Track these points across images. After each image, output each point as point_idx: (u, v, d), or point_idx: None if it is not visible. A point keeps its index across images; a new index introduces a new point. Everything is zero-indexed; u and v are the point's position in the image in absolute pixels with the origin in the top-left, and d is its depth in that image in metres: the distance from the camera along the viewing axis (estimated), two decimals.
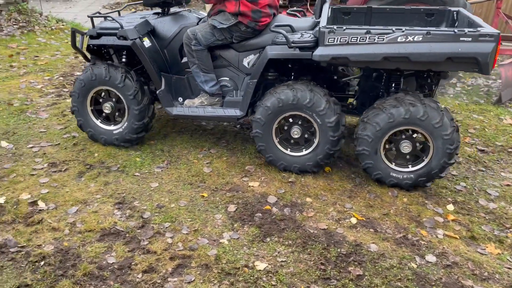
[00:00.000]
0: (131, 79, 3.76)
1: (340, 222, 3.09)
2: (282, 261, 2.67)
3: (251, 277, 2.52)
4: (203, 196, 3.30)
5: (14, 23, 8.25)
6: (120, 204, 3.16)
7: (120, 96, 3.81)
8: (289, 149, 3.65)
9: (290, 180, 3.58)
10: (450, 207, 3.34)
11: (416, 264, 2.70)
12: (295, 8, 4.70)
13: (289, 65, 3.72)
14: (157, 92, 3.83)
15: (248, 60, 3.79)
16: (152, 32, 3.95)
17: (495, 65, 4.25)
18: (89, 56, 4.08)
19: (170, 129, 4.45)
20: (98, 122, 3.96)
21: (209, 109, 3.80)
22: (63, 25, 8.67)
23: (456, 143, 3.27)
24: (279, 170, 3.71)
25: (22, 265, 2.54)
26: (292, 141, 3.63)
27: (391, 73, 3.55)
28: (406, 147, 3.37)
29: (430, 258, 2.76)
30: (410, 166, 3.44)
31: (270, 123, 3.55)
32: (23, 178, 3.44)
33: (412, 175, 3.42)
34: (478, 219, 3.21)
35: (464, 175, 3.82)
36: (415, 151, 3.40)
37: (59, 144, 4.02)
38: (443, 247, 2.88)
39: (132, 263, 2.59)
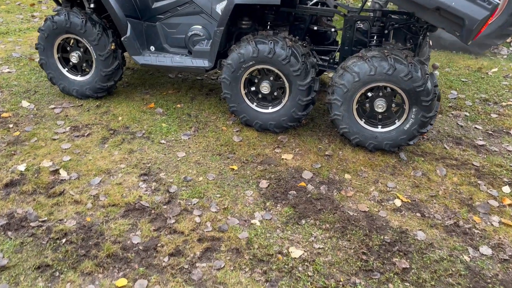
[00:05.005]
0: (93, 24, 3.57)
1: (383, 203, 2.81)
2: (319, 248, 2.44)
3: (286, 266, 2.31)
4: (232, 169, 3.06)
5: None
6: (145, 176, 2.96)
7: (85, 42, 3.65)
8: (255, 104, 3.48)
9: (326, 153, 3.28)
10: (506, 189, 3.00)
11: (469, 256, 2.43)
12: None
13: (265, 13, 3.48)
14: (122, 39, 3.63)
15: (222, 6, 3.49)
16: None
17: None
18: (60, 0, 3.88)
19: (197, 91, 4.16)
20: (65, 71, 3.84)
21: (176, 59, 3.64)
22: None
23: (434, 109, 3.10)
24: (315, 142, 3.42)
25: (43, 242, 2.40)
26: (260, 95, 3.46)
27: (374, 24, 3.31)
28: (380, 105, 3.16)
29: (485, 250, 2.48)
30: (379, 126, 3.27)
31: (237, 81, 3.39)
32: (45, 143, 3.27)
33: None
34: None
35: None
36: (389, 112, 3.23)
37: (81, 105, 3.81)
38: (499, 237, 2.58)
39: (158, 245, 2.41)
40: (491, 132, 3.70)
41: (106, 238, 2.45)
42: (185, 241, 2.44)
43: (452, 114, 3.96)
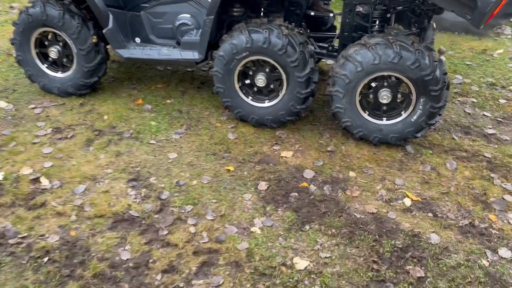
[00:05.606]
0: (71, 16, 3.30)
1: (392, 203, 2.61)
2: (325, 257, 2.24)
3: (290, 279, 2.12)
4: (228, 170, 2.84)
5: None
6: (134, 181, 2.73)
7: (64, 36, 3.38)
8: (251, 98, 3.25)
9: (328, 149, 3.07)
10: None
11: (488, 261, 2.25)
12: None
13: None
14: (104, 31, 3.35)
15: None
16: None
17: None
18: None
19: (188, 84, 3.90)
20: (44, 68, 3.58)
21: (164, 51, 3.38)
22: None
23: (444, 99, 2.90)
24: (315, 137, 3.20)
25: (23, 262, 2.18)
26: (255, 88, 3.22)
27: (375, 7, 3.06)
28: (385, 96, 2.93)
29: (504, 252, 2.30)
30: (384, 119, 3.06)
31: (230, 74, 3.12)
32: (24, 148, 3.02)
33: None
34: None
35: None
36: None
37: (64, 104, 3.55)
38: None
39: (150, 260, 2.20)
40: (501, 119, 3.49)
41: (93, 254, 2.23)
42: (179, 255, 2.23)
43: (458, 100, 3.74)
